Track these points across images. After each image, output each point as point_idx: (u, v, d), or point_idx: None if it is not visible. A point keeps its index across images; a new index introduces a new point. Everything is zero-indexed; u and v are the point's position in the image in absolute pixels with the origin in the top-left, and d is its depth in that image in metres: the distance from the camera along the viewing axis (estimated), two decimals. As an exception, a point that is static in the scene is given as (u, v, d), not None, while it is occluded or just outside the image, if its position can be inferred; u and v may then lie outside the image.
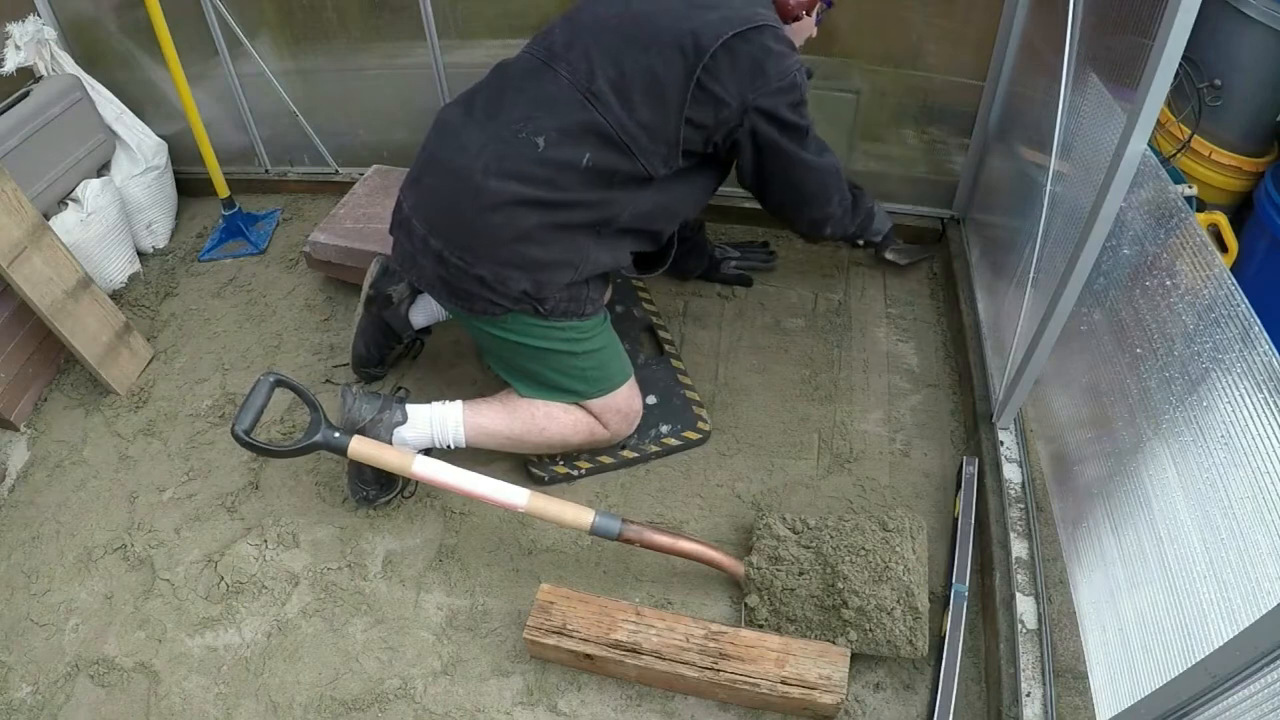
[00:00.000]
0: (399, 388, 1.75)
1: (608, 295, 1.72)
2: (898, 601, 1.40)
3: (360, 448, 1.54)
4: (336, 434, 1.55)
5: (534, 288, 1.50)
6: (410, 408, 1.64)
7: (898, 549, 1.45)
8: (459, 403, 1.66)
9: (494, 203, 1.45)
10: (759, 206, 2.39)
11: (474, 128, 1.51)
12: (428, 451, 1.70)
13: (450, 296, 1.56)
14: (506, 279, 1.49)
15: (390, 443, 1.61)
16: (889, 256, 2.20)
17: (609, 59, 1.47)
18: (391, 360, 2.02)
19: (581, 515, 1.49)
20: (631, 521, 1.51)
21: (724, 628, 1.43)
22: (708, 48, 1.43)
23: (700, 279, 2.21)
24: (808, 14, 1.63)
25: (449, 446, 1.66)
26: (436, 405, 1.66)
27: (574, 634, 1.43)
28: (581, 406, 1.67)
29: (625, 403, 1.70)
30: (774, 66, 1.47)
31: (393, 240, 1.64)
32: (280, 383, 1.58)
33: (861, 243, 2.14)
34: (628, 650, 1.41)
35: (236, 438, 1.50)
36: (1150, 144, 1.15)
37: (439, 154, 1.54)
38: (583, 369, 1.63)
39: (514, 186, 1.45)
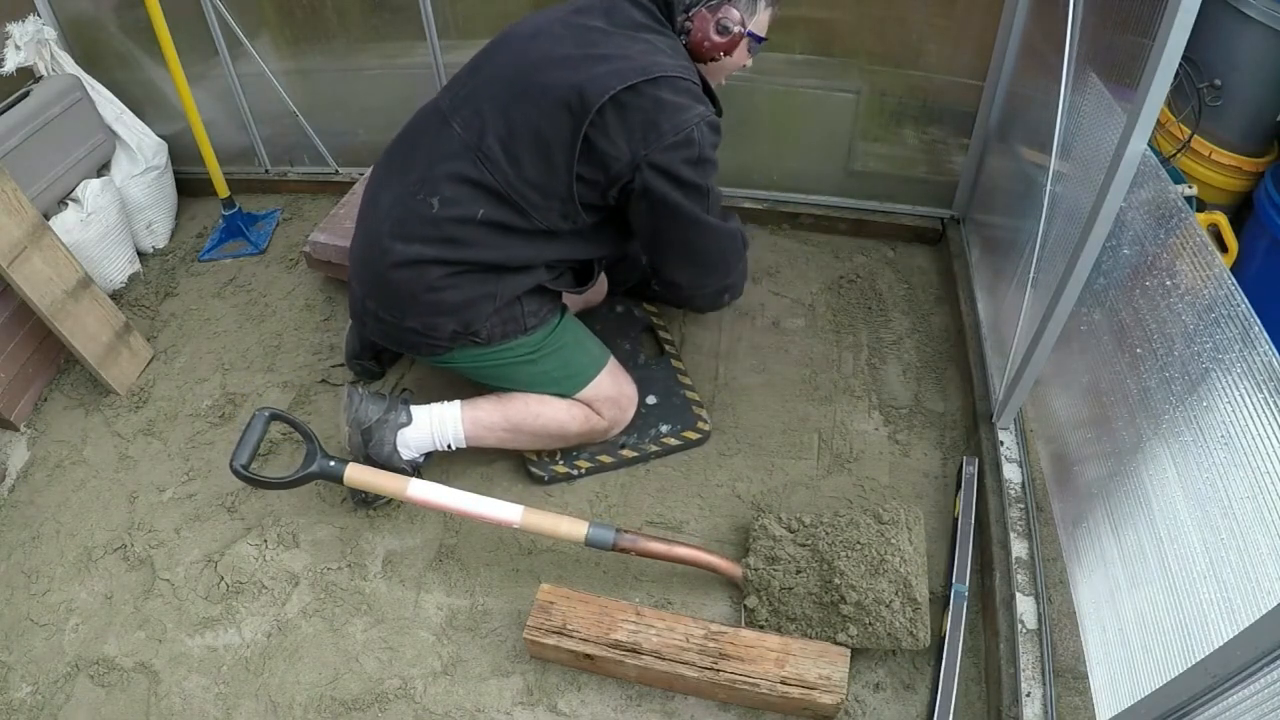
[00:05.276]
0: (404, 389, 1.76)
1: (556, 302, 1.67)
2: (895, 594, 1.40)
3: (356, 475, 1.57)
4: (332, 463, 1.58)
5: (462, 326, 1.55)
6: (413, 409, 1.66)
7: (893, 541, 1.45)
8: (457, 402, 1.68)
9: (399, 262, 1.50)
10: (757, 207, 2.40)
11: (388, 186, 1.56)
12: (428, 455, 1.71)
13: (397, 345, 1.69)
14: (434, 326, 1.55)
15: (395, 444, 1.63)
16: None
17: (500, 115, 1.45)
18: (389, 360, 2.02)
19: (576, 528, 1.50)
20: (626, 530, 1.51)
21: (724, 628, 1.43)
22: (593, 104, 1.37)
23: (628, 294, 2.10)
24: (727, 54, 1.53)
25: (449, 446, 1.68)
26: (435, 406, 1.68)
27: (574, 634, 1.43)
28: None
29: (612, 389, 1.70)
30: (667, 121, 1.39)
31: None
32: (276, 417, 1.61)
33: None
34: (628, 650, 1.41)
35: (235, 472, 1.53)
36: (1150, 144, 1.15)
37: (363, 216, 1.62)
38: (547, 371, 1.65)
39: (416, 248, 1.49)
